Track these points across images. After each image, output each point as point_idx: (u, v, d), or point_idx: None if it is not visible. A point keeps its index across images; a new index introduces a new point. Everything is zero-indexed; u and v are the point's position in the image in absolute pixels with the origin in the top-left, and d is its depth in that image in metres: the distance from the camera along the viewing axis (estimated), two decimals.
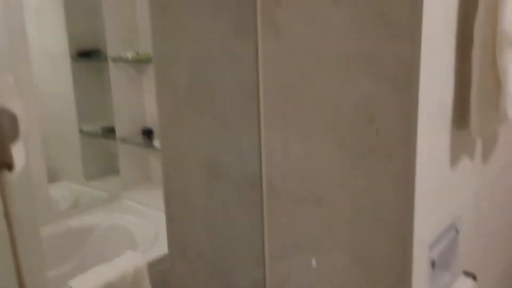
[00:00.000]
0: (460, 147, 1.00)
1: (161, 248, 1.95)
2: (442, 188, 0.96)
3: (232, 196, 1.08)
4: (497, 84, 0.93)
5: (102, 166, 2.95)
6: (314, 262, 0.96)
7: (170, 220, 1.23)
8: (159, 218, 2.01)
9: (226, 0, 1.00)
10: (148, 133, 2.64)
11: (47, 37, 2.80)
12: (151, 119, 2.75)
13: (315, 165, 0.93)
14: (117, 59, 2.60)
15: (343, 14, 0.85)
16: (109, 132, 2.77)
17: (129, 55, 2.54)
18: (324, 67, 0.89)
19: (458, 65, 0.93)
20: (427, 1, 0.78)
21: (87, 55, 2.75)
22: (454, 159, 0.98)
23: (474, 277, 1.08)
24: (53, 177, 2.75)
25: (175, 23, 1.11)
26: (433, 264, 0.93)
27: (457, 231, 1.03)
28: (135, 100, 2.74)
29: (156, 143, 2.59)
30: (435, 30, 0.83)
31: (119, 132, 2.68)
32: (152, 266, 2.00)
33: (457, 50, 0.91)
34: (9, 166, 0.25)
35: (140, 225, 2.40)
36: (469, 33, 0.91)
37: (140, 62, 2.62)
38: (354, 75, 0.86)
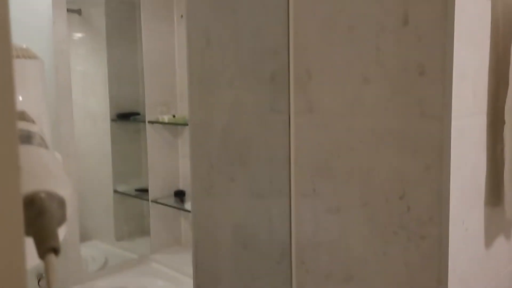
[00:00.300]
0: (495, 226, 0.98)
1: None
2: (477, 269, 0.93)
3: (261, 266, 1.07)
4: None
5: (133, 227, 2.98)
6: None
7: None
8: (187, 283, 2.00)
9: (261, 73, 1.05)
10: (180, 195, 2.68)
11: (90, 98, 2.95)
12: (184, 181, 2.79)
13: (345, 239, 0.93)
14: (154, 121, 2.69)
15: (373, 91, 0.87)
16: (142, 192, 2.82)
17: (166, 118, 2.63)
18: (355, 142, 0.90)
19: (491, 144, 0.93)
20: (457, 80, 0.80)
21: (126, 117, 2.87)
22: (489, 238, 0.96)
23: None
24: (85, 236, 2.79)
25: (211, 94, 1.16)
26: None
27: None
28: (170, 161, 2.80)
29: (188, 205, 2.61)
30: (465, 109, 0.84)
31: (152, 193, 2.73)
32: None
33: (488, 129, 0.92)
34: (56, 251, 0.26)
35: None
36: (501, 112, 0.91)
37: (176, 124, 2.70)
38: (385, 150, 0.87)
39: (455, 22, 0.79)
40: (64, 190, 0.30)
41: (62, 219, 0.30)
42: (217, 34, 1.13)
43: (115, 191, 2.90)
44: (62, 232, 0.30)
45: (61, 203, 0.30)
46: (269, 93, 1.04)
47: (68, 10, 2.52)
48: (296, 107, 0.99)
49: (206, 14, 1.14)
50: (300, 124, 0.99)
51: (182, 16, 1.21)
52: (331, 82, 0.94)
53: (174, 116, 2.66)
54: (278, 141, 1.02)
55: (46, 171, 0.31)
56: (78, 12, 2.95)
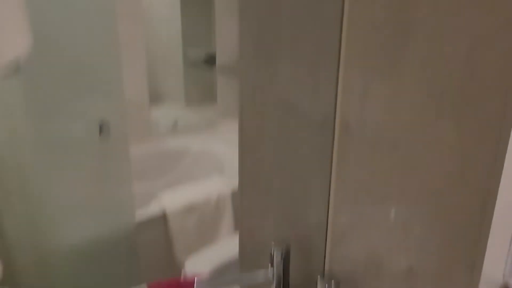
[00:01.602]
0: None
1: None
2: None
3: (301, 132, 1.01)
4: None
5: (202, 93, 3.02)
6: (392, 213, 0.88)
7: (242, 150, 1.21)
8: None
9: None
10: None
11: None
12: None
13: (396, 110, 0.82)
14: None
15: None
16: (212, 58, 2.79)
17: None
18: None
19: None
20: None
21: None
22: None
23: None
24: (157, 99, 2.88)
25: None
26: None
27: None
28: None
29: None
30: None
31: (219, 59, 2.69)
32: (236, 194, 2.04)
33: None
34: None
35: (230, 154, 2.44)
36: None
37: None
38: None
39: None
40: None
41: None
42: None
43: (185, 56, 2.90)
44: None
45: None
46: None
47: None
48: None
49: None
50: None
51: None
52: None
53: None
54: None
55: None
56: None
